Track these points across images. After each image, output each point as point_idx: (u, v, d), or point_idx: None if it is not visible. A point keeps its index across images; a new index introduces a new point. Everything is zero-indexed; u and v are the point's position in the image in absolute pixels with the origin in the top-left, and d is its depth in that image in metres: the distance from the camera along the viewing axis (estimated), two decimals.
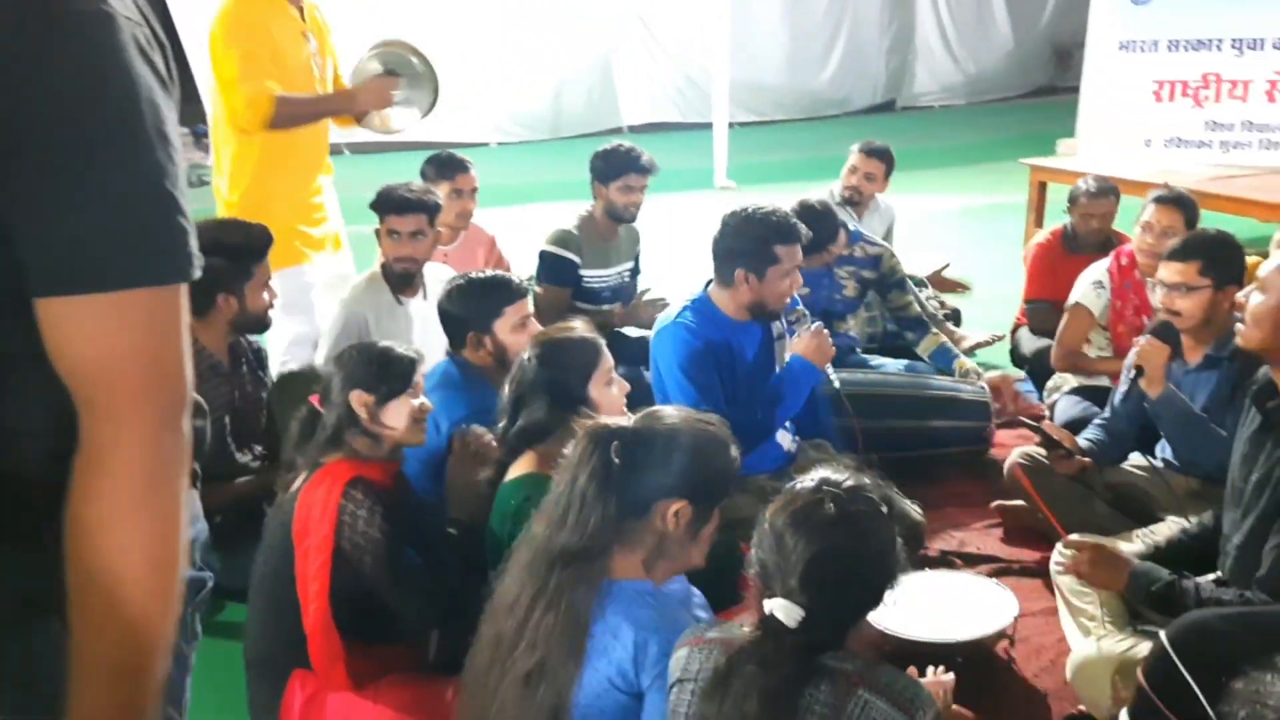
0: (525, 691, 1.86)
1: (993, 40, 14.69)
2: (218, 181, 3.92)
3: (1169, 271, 3.07)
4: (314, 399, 2.54)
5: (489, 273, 3.12)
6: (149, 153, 0.95)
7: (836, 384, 3.13)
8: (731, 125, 9.89)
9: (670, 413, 2.05)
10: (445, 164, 4.44)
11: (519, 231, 4.98)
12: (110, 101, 0.93)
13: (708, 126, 9.82)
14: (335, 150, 10.74)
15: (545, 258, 4.48)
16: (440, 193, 4.05)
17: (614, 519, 1.88)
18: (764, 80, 13.11)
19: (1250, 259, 3.92)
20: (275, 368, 3.71)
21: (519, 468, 2.49)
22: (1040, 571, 3.18)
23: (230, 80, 3.65)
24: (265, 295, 3.17)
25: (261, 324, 3.25)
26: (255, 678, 2.51)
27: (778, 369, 3.26)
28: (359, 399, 2.44)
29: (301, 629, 2.34)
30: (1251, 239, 6.76)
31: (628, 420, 2.01)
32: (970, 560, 3.32)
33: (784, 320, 3.18)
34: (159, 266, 0.97)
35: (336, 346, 3.47)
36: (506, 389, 2.60)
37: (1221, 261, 3.04)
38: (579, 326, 2.66)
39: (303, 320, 3.91)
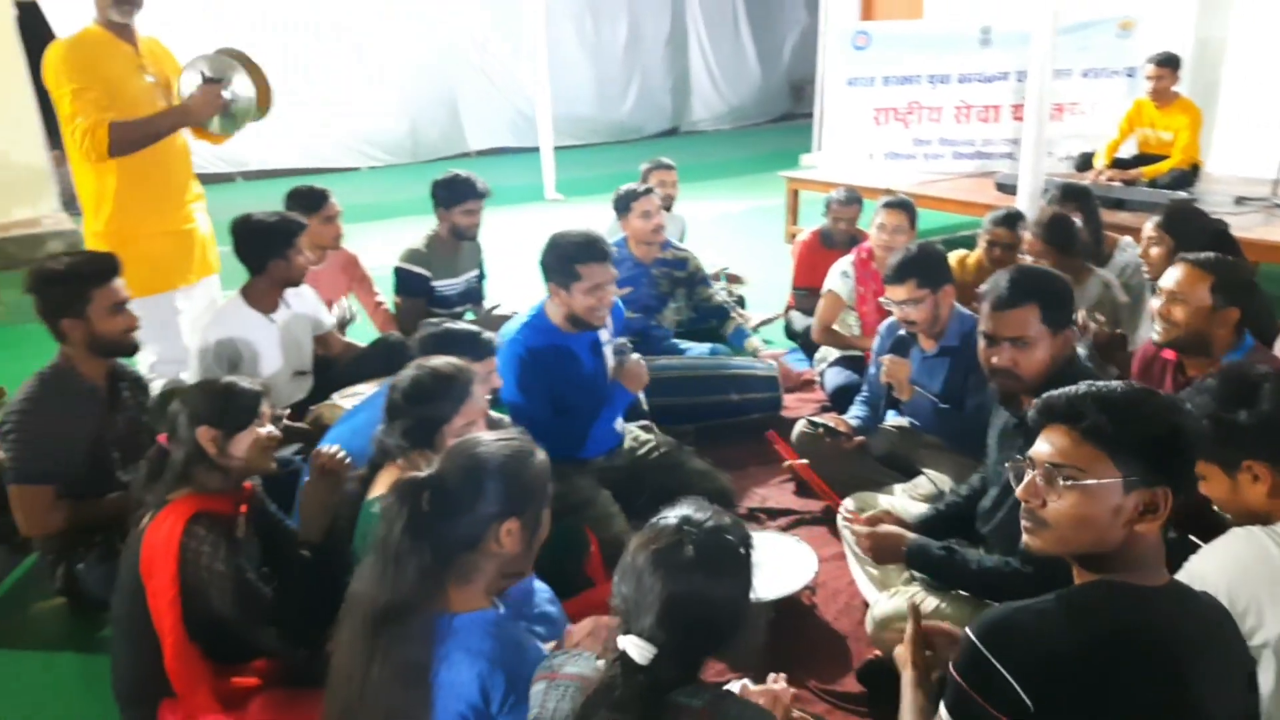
0: None
1: (746, 78, 14.61)
2: (86, 215, 3.15)
3: (895, 293, 2.80)
4: (162, 438, 1.97)
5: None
6: None
7: (646, 407, 2.77)
8: (556, 149, 9.36)
9: (471, 442, 1.56)
10: (307, 196, 3.74)
11: (390, 245, 4.24)
12: None
13: (536, 150, 9.27)
14: (228, 178, 9.79)
15: (400, 274, 3.95)
16: (312, 222, 3.45)
17: (432, 568, 1.43)
18: (579, 112, 12.69)
19: (952, 256, 3.74)
20: None
21: (381, 484, 1.96)
22: (826, 520, 2.91)
23: (67, 117, 2.92)
24: (119, 319, 2.46)
25: (119, 346, 2.50)
26: (126, 709, 1.96)
27: (609, 373, 2.84)
28: (206, 434, 1.92)
29: (163, 659, 1.81)
30: (948, 227, 6.80)
31: (431, 467, 1.53)
32: (772, 514, 3.00)
33: (610, 339, 2.74)
34: None
35: (208, 373, 2.84)
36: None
37: (930, 271, 2.77)
38: (455, 364, 2.04)
39: (167, 344, 3.17)
